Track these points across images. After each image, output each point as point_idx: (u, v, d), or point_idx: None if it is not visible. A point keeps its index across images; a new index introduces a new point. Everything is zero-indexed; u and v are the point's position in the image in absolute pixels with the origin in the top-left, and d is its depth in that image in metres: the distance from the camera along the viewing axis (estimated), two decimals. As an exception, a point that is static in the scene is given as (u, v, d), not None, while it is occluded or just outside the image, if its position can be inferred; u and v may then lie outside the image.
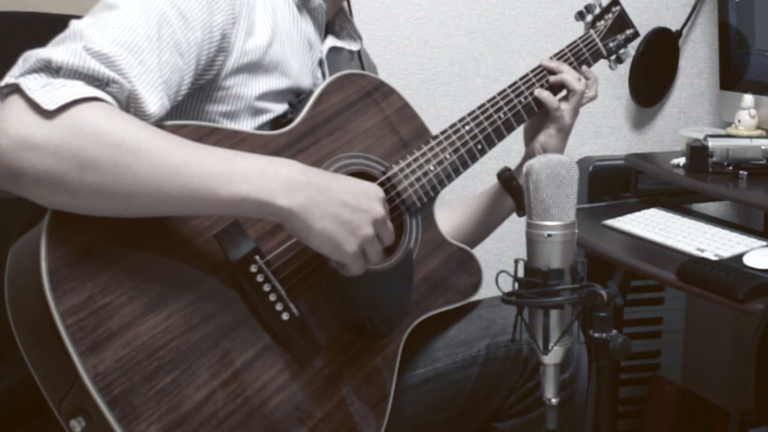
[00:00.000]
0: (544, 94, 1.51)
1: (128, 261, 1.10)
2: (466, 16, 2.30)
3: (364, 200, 1.18)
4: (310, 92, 1.33)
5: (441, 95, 2.30)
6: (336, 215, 1.15)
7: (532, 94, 1.51)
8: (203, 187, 1.08)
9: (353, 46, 1.47)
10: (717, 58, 2.36)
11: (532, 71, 1.53)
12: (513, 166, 1.60)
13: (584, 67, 1.59)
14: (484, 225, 1.61)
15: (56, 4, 1.53)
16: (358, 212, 1.17)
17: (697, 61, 2.53)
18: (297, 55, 1.34)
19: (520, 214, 1.59)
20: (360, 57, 1.52)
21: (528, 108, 1.51)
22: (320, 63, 1.41)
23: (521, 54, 2.34)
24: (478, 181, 2.20)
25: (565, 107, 1.52)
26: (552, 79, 1.53)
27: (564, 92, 1.55)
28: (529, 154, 1.57)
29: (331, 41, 1.43)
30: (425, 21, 2.27)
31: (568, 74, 1.52)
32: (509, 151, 1.82)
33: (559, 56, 1.55)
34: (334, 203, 1.15)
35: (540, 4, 2.35)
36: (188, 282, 1.14)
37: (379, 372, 1.31)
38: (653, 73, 2.43)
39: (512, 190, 1.57)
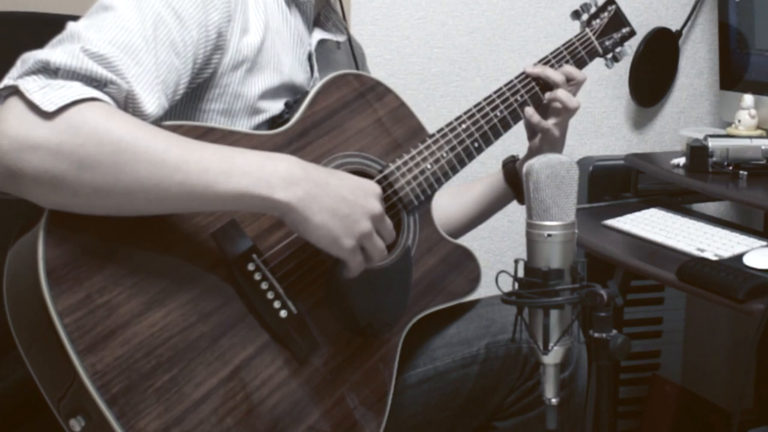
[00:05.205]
0: (528, 113, 1.48)
1: (126, 260, 1.10)
2: (466, 16, 2.30)
3: (362, 195, 1.18)
4: (306, 92, 1.33)
5: (441, 95, 2.30)
6: (334, 209, 1.15)
7: (529, 91, 1.50)
8: (202, 183, 1.08)
9: (339, 38, 1.48)
10: (717, 58, 2.36)
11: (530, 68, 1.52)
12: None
13: (569, 68, 1.54)
14: (484, 211, 1.62)
15: (56, 4, 1.53)
16: (355, 207, 1.17)
17: (697, 61, 2.53)
18: (288, 50, 1.34)
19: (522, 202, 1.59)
20: (350, 45, 1.52)
21: (526, 107, 1.50)
22: (309, 56, 1.41)
23: (521, 54, 2.34)
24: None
25: (552, 123, 1.49)
26: (548, 95, 1.49)
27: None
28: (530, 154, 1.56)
29: (319, 34, 1.43)
30: (425, 21, 2.27)
31: (563, 92, 1.48)
32: (509, 150, 1.81)
33: (555, 54, 1.54)
34: (332, 197, 1.15)
35: (540, 4, 2.35)
36: (186, 280, 1.14)
37: (379, 370, 1.31)
38: (653, 73, 2.43)
39: (512, 180, 1.57)
